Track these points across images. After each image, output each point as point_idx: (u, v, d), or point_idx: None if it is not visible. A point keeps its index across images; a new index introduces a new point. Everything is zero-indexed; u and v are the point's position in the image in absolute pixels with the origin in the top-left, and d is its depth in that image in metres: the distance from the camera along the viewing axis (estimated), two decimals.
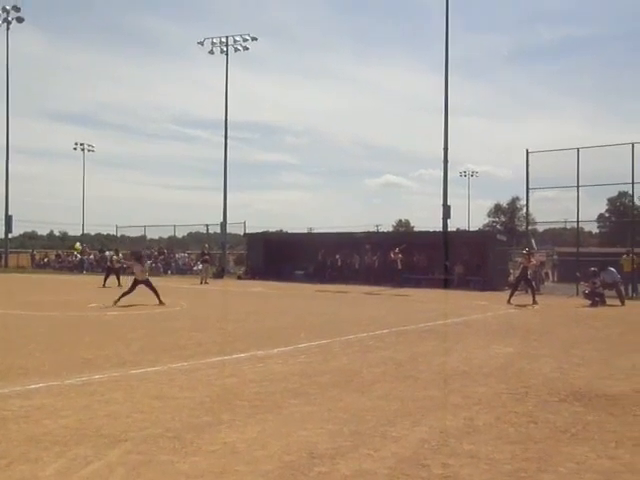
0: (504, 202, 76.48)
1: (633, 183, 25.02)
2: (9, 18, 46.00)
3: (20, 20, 46.31)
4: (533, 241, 28.30)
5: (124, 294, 17.45)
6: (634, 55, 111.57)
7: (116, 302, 17.04)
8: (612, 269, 21.17)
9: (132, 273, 19.04)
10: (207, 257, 33.22)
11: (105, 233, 67.16)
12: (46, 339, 10.81)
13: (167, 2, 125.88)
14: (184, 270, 40.89)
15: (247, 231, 41.19)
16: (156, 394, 6.58)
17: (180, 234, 49.70)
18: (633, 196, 29.94)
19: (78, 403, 6.14)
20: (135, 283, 18.04)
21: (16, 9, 45.91)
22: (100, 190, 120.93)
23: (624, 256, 25.32)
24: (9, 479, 4.06)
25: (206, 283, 30.30)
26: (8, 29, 46.25)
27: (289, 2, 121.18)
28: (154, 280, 21.50)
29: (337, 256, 34.66)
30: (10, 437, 4.96)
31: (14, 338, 10.92)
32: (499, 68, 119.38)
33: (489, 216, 78.18)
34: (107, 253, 30.95)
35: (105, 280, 26.90)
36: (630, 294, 24.22)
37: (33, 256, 52.29)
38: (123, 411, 5.85)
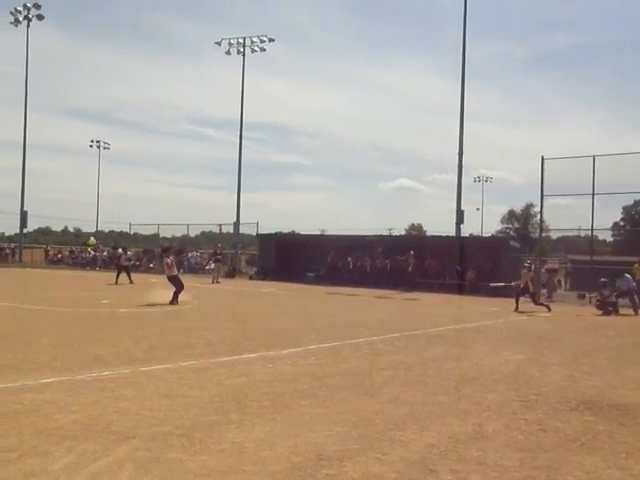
0: (518, 208, 76.20)
1: None
2: (30, 15, 46.37)
3: (40, 18, 46.67)
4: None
5: (176, 293, 17.67)
6: None
7: (172, 302, 17.30)
8: (628, 275, 20.99)
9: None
10: (219, 257, 33.27)
11: (118, 230, 67.51)
12: (58, 334, 10.88)
13: (185, 2, 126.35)
14: (196, 269, 40.95)
15: (260, 231, 41.28)
16: (165, 392, 6.61)
17: (193, 233, 49.92)
18: None
19: (88, 399, 6.18)
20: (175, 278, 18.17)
21: (37, 6, 46.27)
22: (115, 188, 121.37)
23: (636, 265, 25.09)
24: (19, 472, 4.08)
25: (217, 282, 30.36)
26: (28, 26, 46.61)
27: (303, 4, 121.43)
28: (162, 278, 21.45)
29: (349, 259, 34.60)
30: (21, 430, 5.00)
31: (27, 333, 11.00)
32: (514, 74, 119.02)
33: (502, 222, 77.91)
34: (118, 251, 31.11)
35: (117, 277, 27.09)
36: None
37: (47, 252, 52.65)
38: (132, 408, 5.88)
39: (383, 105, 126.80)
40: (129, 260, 29.87)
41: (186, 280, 31.32)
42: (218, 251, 33.62)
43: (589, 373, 8.78)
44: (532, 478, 4.37)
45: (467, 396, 7.00)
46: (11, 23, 46.75)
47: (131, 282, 26.53)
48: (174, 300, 17.49)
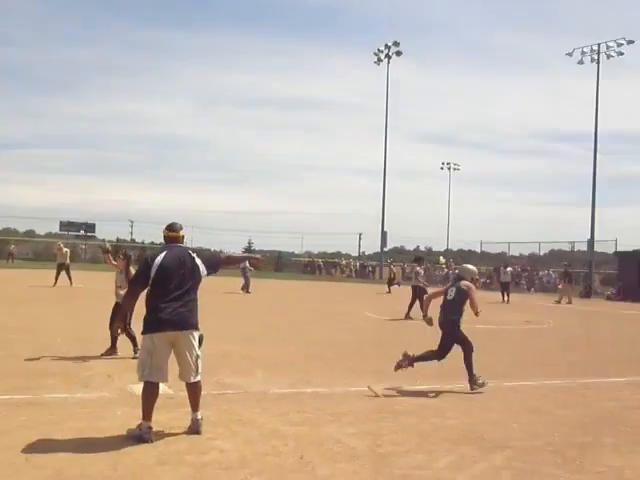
0: None
1: None
2: (390, 53, 50.49)
3: (399, 54, 50.48)
4: None
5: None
6: None
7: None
8: None
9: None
10: (568, 276, 31.20)
11: (467, 249, 68.98)
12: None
13: (529, 16, 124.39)
14: (547, 288, 39.76)
15: (618, 249, 38.40)
16: (532, 407, 6.69)
17: (542, 252, 48.62)
18: None
19: (459, 407, 6.59)
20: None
21: (396, 44, 50.22)
22: (465, 207, 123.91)
23: None
24: (409, 464, 4.59)
25: (569, 303, 28.64)
26: (389, 63, 50.74)
27: None
28: (515, 297, 21.32)
29: None
30: (406, 429, 5.59)
31: (395, 342, 11.98)
32: None
33: None
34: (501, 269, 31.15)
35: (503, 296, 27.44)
36: None
37: (404, 269, 56.28)
38: (502, 419, 6.10)
39: None
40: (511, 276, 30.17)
41: (536, 299, 30.80)
42: (569, 270, 31.88)
43: None
44: None
45: None
46: (374, 62, 51.46)
47: (503, 300, 26.74)
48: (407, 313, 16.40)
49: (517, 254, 51.27)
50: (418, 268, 17.84)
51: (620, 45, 40.62)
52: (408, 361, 7.65)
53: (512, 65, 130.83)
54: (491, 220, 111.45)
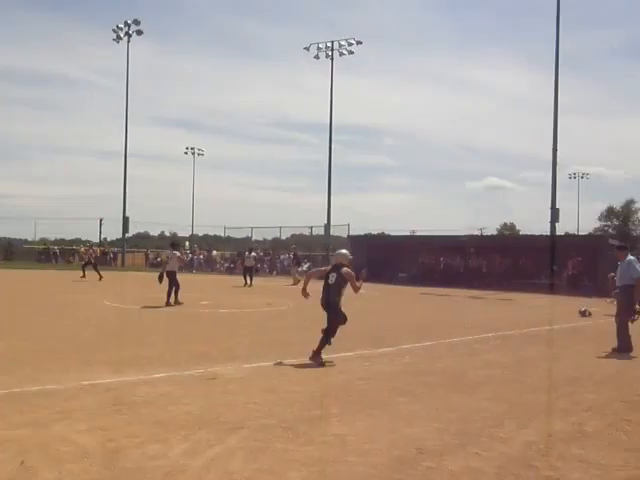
0: (617, 205, 73.03)
1: None
2: (130, 31, 48.59)
3: (140, 33, 48.80)
4: None
5: (174, 292, 16.83)
6: None
7: (174, 302, 16.68)
8: None
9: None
10: (296, 258, 32.78)
11: (213, 234, 69.57)
12: (165, 332, 11.52)
13: (271, 9, 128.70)
14: (288, 271, 41.71)
15: (350, 233, 41.63)
16: (269, 387, 6.92)
17: (284, 236, 50.85)
18: None
19: (198, 392, 6.58)
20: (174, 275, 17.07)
21: (136, 22, 48.45)
22: (209, 193, 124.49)
23: None
24: (144, 455, 4.46)
25: (295, 284, 29.69)
26: (129, 42, 48.81)
27: (387, 4, 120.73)
28: (260, 280, 22.06)
29: (441, 259, 34.39)
30: (143, 420, 5.42)
31: (137, 331, 11.69)
32: (607, 64, 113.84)
33: (600, 220, 74.84)
34: (246, 253, 31.39)
35: (245, 278, 27.78)
36: None
37: (147, 255, 55.02)
38: (239, 401, 6.22)
39: (469, 102, 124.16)
40: (255, 261, 30.45)
41: (278, 282, 32.13)
42: (297, 253, 33.36)
43: None
44: (636, 478, 4.37)
45: (566, 395, 6.95)
46: (113, 40, 49.14)
47: (246, 284, 27.16)
48: (175, 300, 16.64)
49: (261, 239, 52.95)
50: (176, 253, 17.86)
51: (351, 45, 43.90)
52: (318, 359, 8.39)
53: (255, 54, 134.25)
54: (235, 205, 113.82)
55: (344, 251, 9.78)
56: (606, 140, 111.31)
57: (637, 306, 11.05)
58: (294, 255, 32.47)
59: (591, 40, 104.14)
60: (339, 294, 9.09)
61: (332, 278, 9.13)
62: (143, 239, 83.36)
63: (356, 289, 9.08)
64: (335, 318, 8.95)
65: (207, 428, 5.19)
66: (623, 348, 10.23)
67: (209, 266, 46.51)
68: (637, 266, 10.55)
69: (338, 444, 4.92)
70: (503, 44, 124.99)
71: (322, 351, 8.52)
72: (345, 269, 9.14)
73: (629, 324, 10.46)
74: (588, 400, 6.73)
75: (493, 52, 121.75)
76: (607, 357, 9.90)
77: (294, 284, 29.75)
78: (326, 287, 9.15)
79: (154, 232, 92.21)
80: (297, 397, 6.49)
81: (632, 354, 10.10)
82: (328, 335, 8.74)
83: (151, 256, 54.71)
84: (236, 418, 5.55)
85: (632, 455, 4.84)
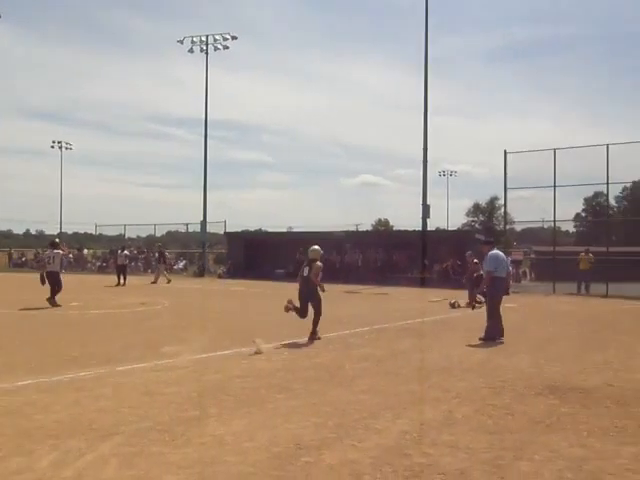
0: (483, 201, 77.21)
1: (608, 183, 25.53)
2: None
3: None
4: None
5: (54, 292, 16.36)
6: (609, 58, 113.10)
7: (53, 303, 16.20)
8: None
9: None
10: (162, 256, 31.95)
11: (83, 232, 66.59)
12: (30, 337, 10.90)
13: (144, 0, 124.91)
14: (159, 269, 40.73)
15: (227, 230, 41.28)
16: (144, 390, 6.72)
17: (159, 233, 49.58)
18: (608, 196, 30.54)
19: (67, 399, 6.26)
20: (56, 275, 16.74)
21: None
22: (79, 189, 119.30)
23: (582, 254, 26.02)
24: (5, 470, 4.18)
25: (168, 282, 28.88)
26: None
27: (265, 1, 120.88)
28: (133, 279, 21.33)
29: None
30: (3, 431, 5.08)
31: None
32: (476, 67, 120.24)
33: (468, 215, 78.84)
34: (119, 251, 30.20)
35: (119, 278, 27.07)
36: (582, 291, 25.45)
37: (10, 255, 51.81)
38: (112, 406, 5.99)
39: (346, 101, 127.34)
40: (126, 259, 29.46)
41: (152, 280, 31.30)
42: (163, 251, 32.28)
43: (553, 360, 9.11)
44: (500, 458, 4.61)
45: (437, 385, 7.24)
46: None
47: (119, 284, 26.34)
48: (52, 300, 16.19)
49: (134, 236, 51.40)
50: (59, 252, 17.25)
51: (226, 39, 43.40)
52: (315, 337, 10.68)
53: (127, 46, 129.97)
54: (107, 202, 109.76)
55: (316, 247, 11.41)
56: (472, 140, 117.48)
57: (480, 296, 11.85)
58: (160, 253, 31.55)
59: (458, 45, 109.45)
60: (313, 285, 10.89)
61: (306, 271, 11.00)
62: (6, 238, 78.59)
63: (315, 282, 10.85)
64: (317, 303, 10.93)
65: (78, 436, 4.95)
66: (489, 336, 10.90)
67: (79, 265, 44.53)
68: (492, 261, 11.22)
69: (216, 444, 4.85)
70: (377, 44, 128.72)
71: (317, 329, 10.81)
72: (316, 264, 10.98)
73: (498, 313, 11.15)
74: (457, 388, 7.06)
75: (367, 52, 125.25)
76: (475, 346, 10.44)
77: (154, 282, 29.06)
78: (302, 280, 11.03)
79: (18, 230, 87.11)
80: (173, 398, 6.34)
81: (500, 340, 10.77)
82: (318, 317, 10.86)
83: (15, 256, 51.61)
84: (109, 424, 5.34)
85: (496, 438, 5.12)
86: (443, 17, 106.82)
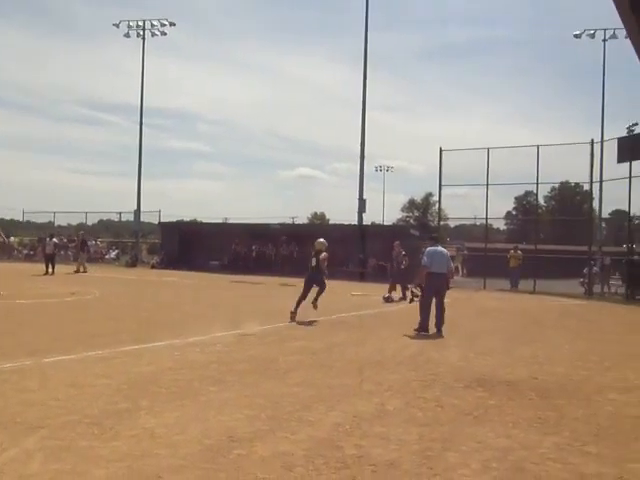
0: (418, 197, 78.51)
1: (538, 183, 26.36)
2: None
3: None
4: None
5: None
6: (541, 61, 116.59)
7: None
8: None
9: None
10: (83, 244, 31.02)
11: (9, 218, 64.13)
12: None
13: None
14: (95, 258, 39.82)
15: (161, 220, 40.58)
16: (72, 382, 6.54)
17: (91, 221, 48.30)
18: (537, 195, 31.55)
19: None
20: None
21: None
22: (5, 173, 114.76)
23: (511, 252, 26.91)
24: None
25: (84, 272, 28.25)
26: None
27: None
28: (63, 268, 20.63)
29: (253, 247, 34.72)
30: None
31: None
32: (413, 66, 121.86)
33: (403, 211, 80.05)
34: (47, 239, 29.14)
35: (47, 267, 26.45)
36: (512, 287, 26.27)
37: None
38: (38, 399, 5.81)
39: (285, 93, 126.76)
40: (55, 248, 28.54)
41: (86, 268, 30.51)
42: (85, 239, 31.48)
43: (482, 353, 9.36)
44: (430, 449, 4.71)
45: (370, 378, 7.33)
46: None
47: (47, 273, 25.64)
48: None
49: (65, 224, 49.89)
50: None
51: (164, 25, 42.51)
52: (314, 303, 12.97)
53: (61, 27, 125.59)
54: (36, 188, 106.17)
55: (321, 240, 13.25)
56: (409, 137, 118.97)
57: (414, 289, 12.19)
58: (82, 241, 30.64)
59: (397, 42, 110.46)
60: (321, 272, 12.95)
61: (314, 261, 12.97)
62: None
63: (324, 270, 13.00)
64: (323, 284, 13.09)
65: (0, 430, 4.78)
66: (421, 327, 11.22)
67: (5, 253, 42.96)
68: (427, 256, 11.68)
69: (147, 437, 4.78)
70: (319, 38, 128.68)
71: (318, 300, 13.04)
72: (322, 254, 12.92)
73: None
74: (389, 380, 7.17)
75: (309, 45, 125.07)
76: (408, 339, 10.62)
77: (76, 271, 28.33)
78: (310, 270, 13.04)
79: None
80: (103, 390, 6.20)
81: (425, 334, 11.07)
82: (321, 292, 13.07)
83: None
84: (34, 417, 5.18)
85: (426, 429, 5.23)
86: (383, 14, 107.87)
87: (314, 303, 13.01)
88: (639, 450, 4.88)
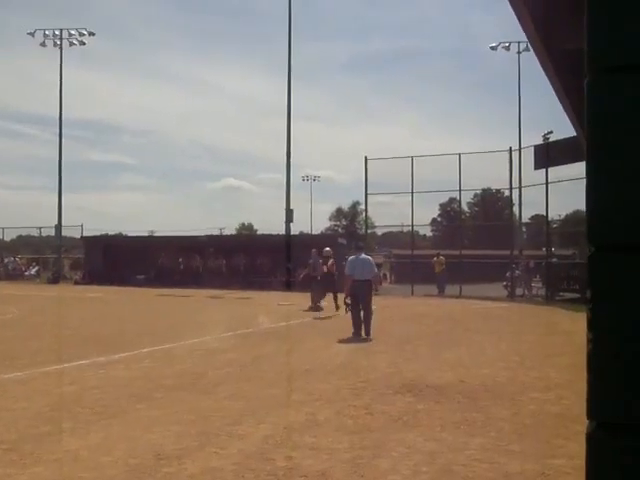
0: (345, 206, 79.17)
1: (460, 190, 27.12)
2: None
3: None
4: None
5: None
6: (462, 72, 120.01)
7: None
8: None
9: None
10: None
11: None
12: None
13: None
14: (14, 275, 38.31)
15: (84, 234, 39.42)
16: None
17: (9, 237, 46.42)
18: (460, 202, 32.42)
19: None
20: None
21: None
22: None
23: (434, 258, 27.57)
24: None
25: None
26: None
27: None
28: None
29: (180, 260, 34.20)
30: None
31: None
32: (338, 75, 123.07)
33: (331, 220, 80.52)
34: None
35: None
36: (439, 292, 26.79)
37: None
38: None
39: (210, 104, 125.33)
40: None
41: (2, 288, 29.31)
42: None
43: (410, 359, 9.50)
44: (360, 457, 4.73)
45: (300, 388, 7.31)
46: None
47: None
48: None
49: None
50: None
51: (82, 35, 41.38)
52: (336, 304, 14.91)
53: None
54: None
55: (327, 249, 17.61)
56: (335, 146, 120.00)
57: (346, 299, 12.28)
58: None
59: (320, 52, 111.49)
60: (332, 275, 16.94)
61: (325, 268, 17.19)
62: None
63: (332, 271, 17.14)
64: (334, 284, 16.50)
65: None
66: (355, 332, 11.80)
67: None
68: (347, 265, 12.29)
69: (70, 460, 4.61)
70: (243, 48, 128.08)
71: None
72: (330, 261, 17.18)
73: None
74: (320, 390, 7.17)
75: (233, 55, 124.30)
76: (338, 348, 10.67)
77: None
78: (323, 274, 17.35)
79: None
80: (22, 414, 5.95)
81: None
82: (336, 294, 15.84)
83: None
84: None
85: (356, 437, 5.25)
86: (307, 24, 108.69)
87: (317, 304, 17.13)
88: (560, 446, 5.04)
